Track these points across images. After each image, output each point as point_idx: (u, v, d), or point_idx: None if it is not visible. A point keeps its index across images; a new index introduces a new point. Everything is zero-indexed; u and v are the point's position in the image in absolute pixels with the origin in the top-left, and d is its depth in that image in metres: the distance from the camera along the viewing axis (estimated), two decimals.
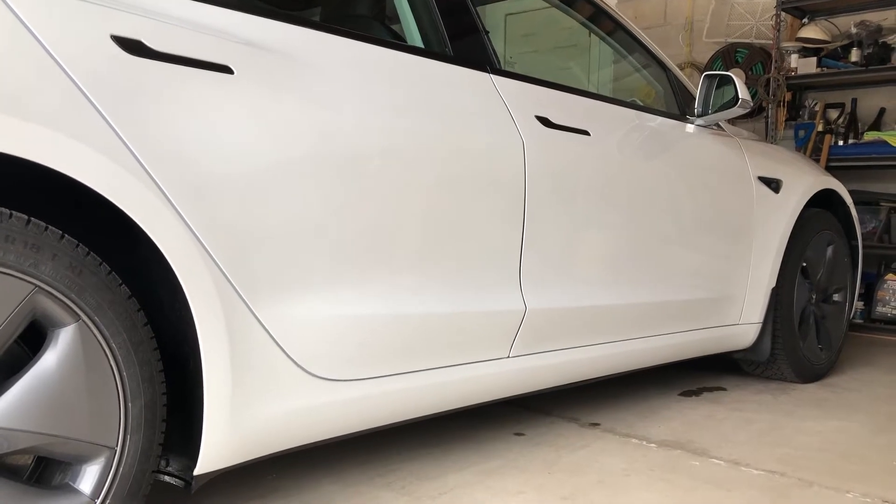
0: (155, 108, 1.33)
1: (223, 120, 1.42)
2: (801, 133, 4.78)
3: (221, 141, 1.42)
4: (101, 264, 1.29)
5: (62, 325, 1.25)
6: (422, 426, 2.34)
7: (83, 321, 1.26)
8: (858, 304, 4.29)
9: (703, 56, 5.28)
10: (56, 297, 1.23)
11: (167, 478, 1.50)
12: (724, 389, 3.04)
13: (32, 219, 1.21)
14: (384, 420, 1.80)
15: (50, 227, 1.23)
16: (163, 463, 1.49)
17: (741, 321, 2.85)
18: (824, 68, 4.66)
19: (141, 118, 1.31)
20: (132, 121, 1.30)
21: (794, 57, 4.76)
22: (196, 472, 1.44)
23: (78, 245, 1.26)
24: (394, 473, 2.02)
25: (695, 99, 2.70)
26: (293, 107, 1.54)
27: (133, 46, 1.33)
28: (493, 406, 2.19)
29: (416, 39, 1.97)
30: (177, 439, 1.47)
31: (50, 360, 1.24)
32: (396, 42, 1.94)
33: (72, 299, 1.24)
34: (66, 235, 1.25)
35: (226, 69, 1.44)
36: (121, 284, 1.32)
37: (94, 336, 1.27)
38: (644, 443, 2.32)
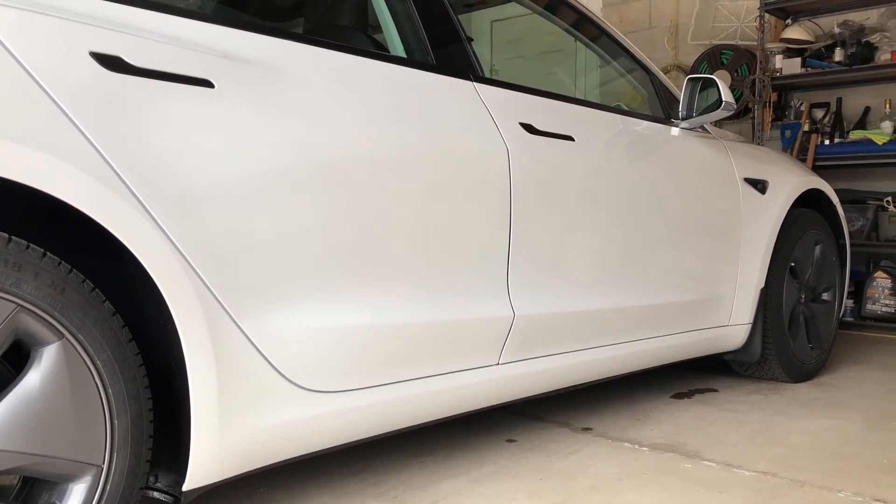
0: (136, 124, 1.33)
1: (205, 134, 1.42)
2: (788, 133, 4.81)
3: (203, 155, 1.42)
4: (83, 281, 1.29)
5: (45, 343, 1.24)
6: (413, 435, 2.34)
7: (67, 339, 1.25)
8: (848, 303, 4.30)
9: (689, 58, 5.30)
10: (39, 315, 1.22)
11: (156, 494, 1.49)
12: (715, 391, 3.05)
13: (13, 237, 1.21)
14: (375, 430, 1.80)
15: (31, 245, 1.23)
16: (151, 479, 1.49)
17: (731, 322, 2.85)
18: (809, 68, 4.68)
19: (122, 134, 1.31)
20: (113, 137, 1.30)
21: (778, 58, 4.78)
22: (185, 487, 1.44)
23: (60, 263, 1.26)
24: (386, 483, 2.01)
25: (679, 102, 2.71)
26: (275, 118, 1.54)
27: (112, 63, 1.33)
28: (485, 413, 2.19)
29: (398, 49, 1.97)
30: (165, 455, 1.46)
31: (34, 379, 1.23)
32: (379, 52, 1.94)
33: (55, 317, 1.24)
34: (48, 253, 1.25)
35: (206, 83, 1.44)
36: (104, 301, 1.31)
37: (78, 354, 1.27)
38: (636, 446, 2.32)
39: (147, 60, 1.37)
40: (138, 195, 1.31)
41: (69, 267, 1.27)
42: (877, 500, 1.90)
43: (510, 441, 2.37)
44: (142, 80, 1.35)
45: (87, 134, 1.26)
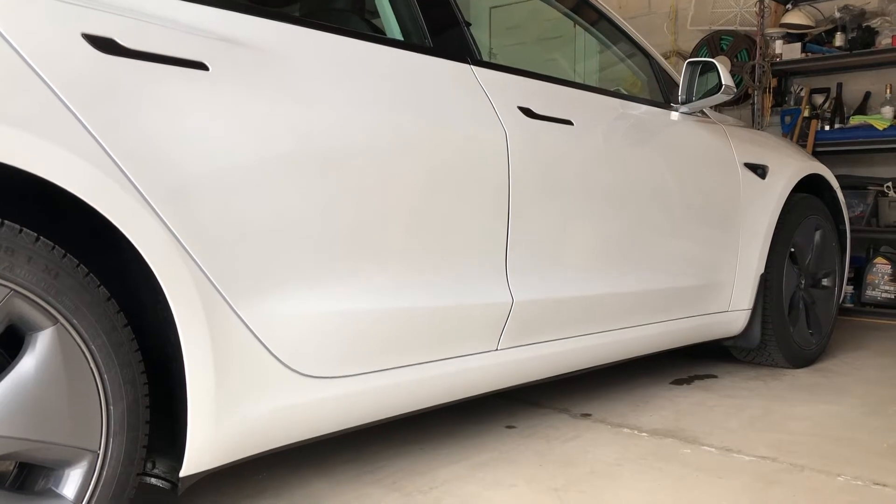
0: (129, 107, 1.32)
1: (200, 117, 1.41)
2: (788, 119, 4.78)
3: (199, 139, 1.40)
4: (78, 266, 1.27)
5: (40, 328, 1.23)
6: (411, 421, 2.33)
7: (61, 324, 1.24)
8: (848, 289, 4.30)
9: (689, 44, 5.27)
10: (33, 300, 1.21)
11: (153, 480, 1.49)
12: (715, 377, 3.04)
13: (6, 221, 1.20)
14: (372, 416, 1.79)
15: (24, 229, 1.22)
16: (148, 465, 1.48)
17: (730, 308, 2.84)
18: (809, 53, 4.65)
19: (115, 117, 1.29)
20: (106, 120, 1.28)
21: (778, 43, 4.75)
22: (182, 473, 1.43)
23: (54, 247, 1.25)
24: (383, 470, 2.01)
25: (678, 87, 2.69)
26: (271, 102, 1.52)
27: (105, 45, 1.31)
28: (484, 399, 2.18)
29: (395, 32, 1.95)
30: (162, 441, 1.45)
31: (28, 364, 1.22)
32: (376, 35, 1.92)
33: (49, 302, 1.23)
34: (42, 238, 1.23)
35: (201, 66, 1.42)
36: (99, 286, 1.30)
37: (73, 339, 1.26)
38: (636, 432, 2.31)
39: (140, 42, 1.35)
40: (132, 179, 1.30)
41: (63, 251, 1.26)
42: (876, 484, 1.90)
43: (509, 427, 2.36)
44: (135, 62, 1.34)
45: (79, 116, 1.25)
